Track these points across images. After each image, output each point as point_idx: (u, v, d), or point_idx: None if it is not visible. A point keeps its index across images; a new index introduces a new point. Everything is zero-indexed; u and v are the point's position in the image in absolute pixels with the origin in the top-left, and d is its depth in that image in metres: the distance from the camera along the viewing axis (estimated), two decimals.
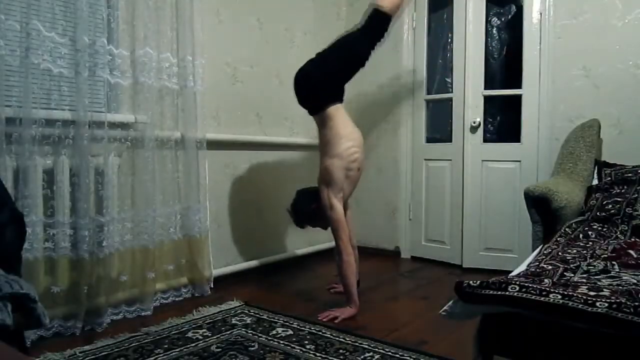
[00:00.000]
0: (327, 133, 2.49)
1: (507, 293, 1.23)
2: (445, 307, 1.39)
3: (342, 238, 2.40)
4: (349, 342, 2.01)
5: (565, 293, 1.17)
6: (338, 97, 2.55)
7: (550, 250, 1.78)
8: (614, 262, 1.53)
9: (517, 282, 1.26)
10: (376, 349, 1.93)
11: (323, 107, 2.49)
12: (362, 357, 1.86)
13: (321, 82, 2.52)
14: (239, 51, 3.09)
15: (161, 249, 2.53)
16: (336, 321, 2.26)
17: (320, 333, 2.11)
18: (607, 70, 2.94)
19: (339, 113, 2.51)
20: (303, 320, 2.27)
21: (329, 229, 2.53)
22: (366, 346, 1.96)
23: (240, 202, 3.12)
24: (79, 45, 2.15)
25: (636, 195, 2.27)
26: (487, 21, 3.39)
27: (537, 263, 1.58)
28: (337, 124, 2.47)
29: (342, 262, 2.39)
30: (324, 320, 2.27)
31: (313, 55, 2.59)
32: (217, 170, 2.94)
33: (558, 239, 1.97)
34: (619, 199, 2.28)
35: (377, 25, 2.57)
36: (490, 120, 3.57)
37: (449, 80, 3.56)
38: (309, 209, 2.55)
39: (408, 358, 1.85)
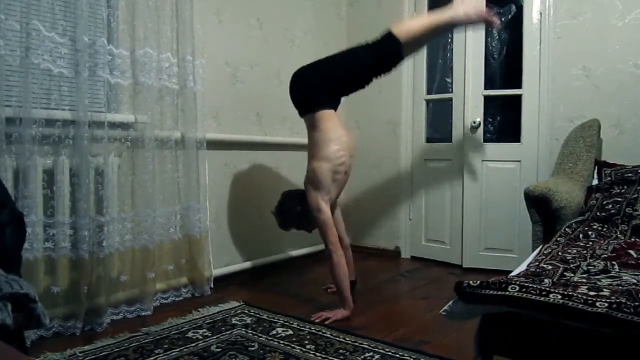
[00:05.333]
0: (315, 135, 2.45)
1: (507, 293, 1.23)
2: (445, 307, 1.39)
3: (331, 240, 2.36)
4: (349, 342, 2.01)
5: (565, 293, 1.17)
6: (332, 104, 2.49)
7: (550, 250, 1.78)
8: (614, 262, 1.53)
9: (517, 282, 1.26)
10: (376, 349, 1.93)
11: (314, 109, 2.44)
12: (362, 357, 1.86)
13: (316, 84, 2.48)
14: (239, 51, 3.09)
15: (161, 249, 2.53)
16: (327, 322, 2.24)
17: (320, 333, 2.10)
18: (607, 70, 2.94)
19: (330, 117, 2.45)
20: (303, 320, 2.26)
21: (313, 231, 2.51)
22: (366, 346, 1.96)
23: (240, 202, 3.12)
24: (79, 45, 2.15)
25: (636, 195, 2.27)
26: None
27: (537, 263, 1.58)
28: (326, 127, 2.42)
29: (333, 265, 2.35)
30: (316, 321, 2.26)
31: (313, 55, 2.59)
32: (217, 170, 2.94)
33: (558, 239, 1.97)
34: (619, 199, 2.28)
35: (385, 45, 2.44)
36: (491, 120, 3.57)
37: (449, 80, 3.56)
38: (295, 210, 2.50)
39: (408, 358, 1.85)
